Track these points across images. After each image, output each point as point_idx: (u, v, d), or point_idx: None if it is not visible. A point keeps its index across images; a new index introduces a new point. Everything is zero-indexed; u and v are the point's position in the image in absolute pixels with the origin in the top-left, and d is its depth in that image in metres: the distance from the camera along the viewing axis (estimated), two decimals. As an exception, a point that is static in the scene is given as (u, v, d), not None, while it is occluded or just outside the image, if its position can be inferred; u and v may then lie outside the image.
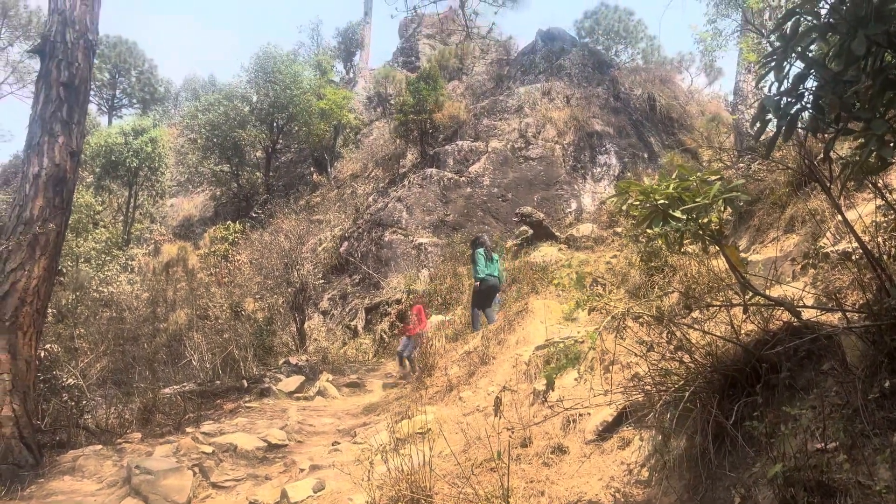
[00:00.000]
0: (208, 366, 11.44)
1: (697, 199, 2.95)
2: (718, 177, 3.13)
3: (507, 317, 8.38)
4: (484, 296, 9.85)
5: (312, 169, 26.96)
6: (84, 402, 8.84)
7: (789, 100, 2.57)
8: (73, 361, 10.45)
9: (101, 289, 17.42)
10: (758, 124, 2.73)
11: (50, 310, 10.71)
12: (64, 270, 16.60)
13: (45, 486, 6.26)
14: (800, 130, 2.74)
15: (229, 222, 23.36)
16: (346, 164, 25.82)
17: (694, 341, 3.42)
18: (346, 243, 18.74)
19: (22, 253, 7.19)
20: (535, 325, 7.44)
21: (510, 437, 4.60)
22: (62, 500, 5.90)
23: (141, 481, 5.72)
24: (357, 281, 17.42)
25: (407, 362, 10.51)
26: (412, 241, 17.21)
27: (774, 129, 2.66)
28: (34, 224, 7.32)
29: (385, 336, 14.15)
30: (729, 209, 3.11)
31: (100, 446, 7.25)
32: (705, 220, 3.00)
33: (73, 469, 6.61)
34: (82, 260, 18.66)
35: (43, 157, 7.58)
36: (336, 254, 18.78)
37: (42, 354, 8.13)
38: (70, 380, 8.99)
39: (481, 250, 9.95)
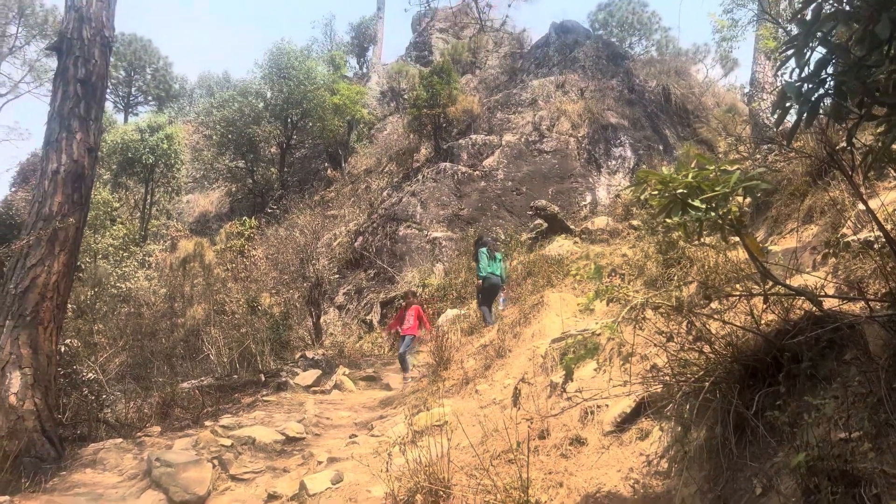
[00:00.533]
0: (226, 360, 11.55)
1: (717, 189, 2.91)
2: (737, 166, 3.09)
3: (522, 310, 8.36)
4: (487, 293, 10.22)
5: (327, 164, 27.04)
6: (104, 396, 8.94)
7: (811, 85, 2.52)
8: (93, 356, 10.59)
9: (118, 285, 17.59)
10: (778, 111, 2.69)
11: (69, 305, 10.82)
12: (82, 266, 16.77)
13: (68, 478, 6.35)
14: (820, 118, 2.68)
15: (245, 218, 23.51)
16: (360, 159, 25.88)
17: (714, 331, 3.39)
18: (360, 238, 18.78)
19: (42, 249, 7.26)
20: (551, 318, 7.42)
21: (529, 428, 4.59)
22: (84, 492, 5.99)
23: (161, 473, 5.79)
24: (372, 275, 17.46)
25: (407, 363, 10.26)
26: (426, 235, 17.22)
27: (795, 116, 2.61)
28: (53, 220, 7.38)
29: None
30: (748, 199, 3.07)
31: (120, 440, 7.34)
32: (725, 210, 2.96)
33: (95, 462, 6.70)
34: (100, 256, 18.85)
35: (61, 153, 7.64)
36: (351, 248, 18.84)
37: (62, 349, 8.23)
38: (90, 374, 9.10)
39: (484, 250, 10.34)
